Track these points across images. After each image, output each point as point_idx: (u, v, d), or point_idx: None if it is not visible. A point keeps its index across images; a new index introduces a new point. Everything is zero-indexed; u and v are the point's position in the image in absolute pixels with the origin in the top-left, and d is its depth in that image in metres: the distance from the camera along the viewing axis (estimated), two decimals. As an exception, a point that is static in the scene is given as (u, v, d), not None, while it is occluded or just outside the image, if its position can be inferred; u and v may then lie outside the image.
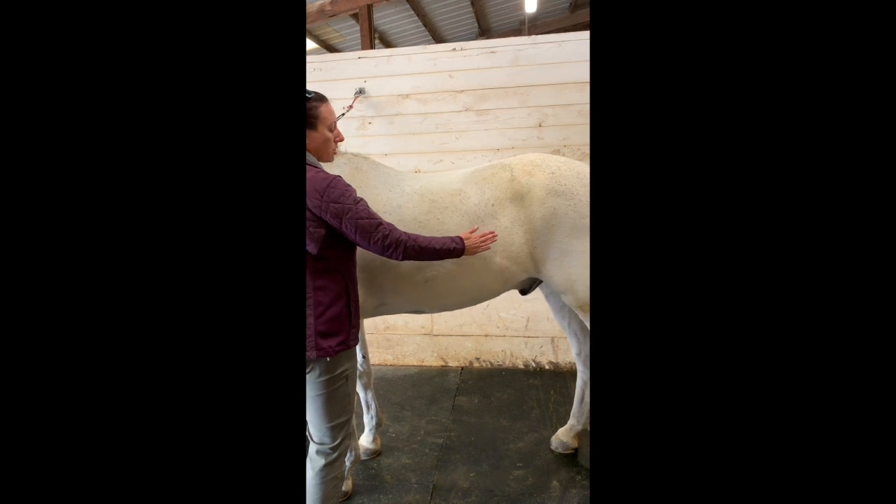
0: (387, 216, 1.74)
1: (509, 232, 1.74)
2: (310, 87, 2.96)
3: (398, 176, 1.88)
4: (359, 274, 1.73)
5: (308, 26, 6.08)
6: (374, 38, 6.90)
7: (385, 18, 6.84)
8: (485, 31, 8.07)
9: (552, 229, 1.74)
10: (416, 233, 1.74)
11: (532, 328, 2.94)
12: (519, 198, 1.75)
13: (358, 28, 6.01)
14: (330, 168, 1.81)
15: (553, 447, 2.11)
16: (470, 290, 1.80)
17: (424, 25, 7.18)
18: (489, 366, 3.01)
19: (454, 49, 2.78)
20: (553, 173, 1.77)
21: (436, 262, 1.72)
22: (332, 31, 7.08)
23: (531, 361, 2.97)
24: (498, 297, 2.87)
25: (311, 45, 7.02)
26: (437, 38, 7.64)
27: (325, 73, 2.89)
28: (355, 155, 1.89)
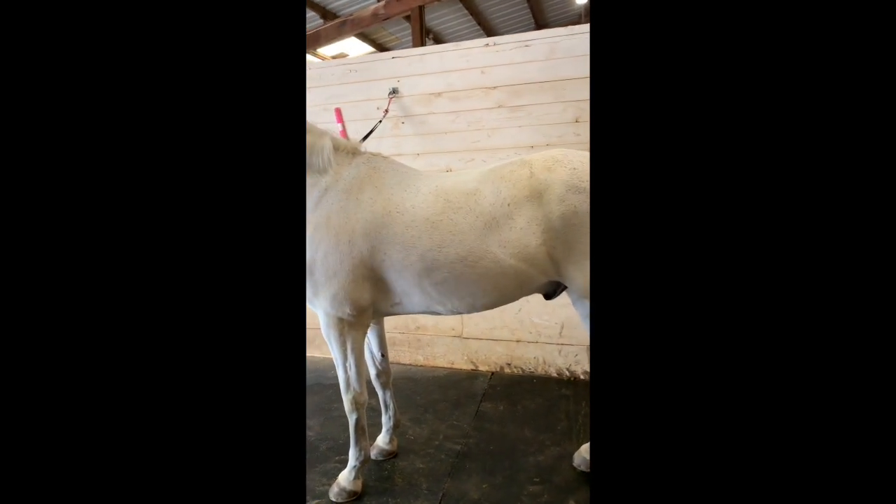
0: (401, 216, 1.71)
1: (525, 232, 1.64)
2: (344, 88, 3.03)
3: (416, 175, 1.84)
4: (369, 275, 1.72)
5: (364, 30, 6.25)
6: (428, 38, 6.94)
7: (438, 19, 6.87)
8: (542, 26, 7.84)
9: (573, 229, 1.62)
10: (428, 233, 1.70)
11: (567, 335, 2.79)
12: (537, 195, 1.64)
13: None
14: (349, 168, 1.82)
15: (575, 464, 1.97)
16: (483, 294, 1.73)
17: (479, 24, 7.12)
18: (521, 372, 2.90)
19: (487, 45, 2.70)
20: (575, 169, 1.65)
21: (444, 266, 1.66)
22: (387, 35, 7.24)
23: (565, 370, 2.81)
24: (530, 302, 2.77)
25: (366, 48, 7.21)
26: (492, 34, 7.55)
27: (360, 74, 2.93)
28: (374, 155, 1.89)
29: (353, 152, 1.87)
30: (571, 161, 1.68)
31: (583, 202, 1.61)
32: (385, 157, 1.89)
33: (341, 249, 1.70)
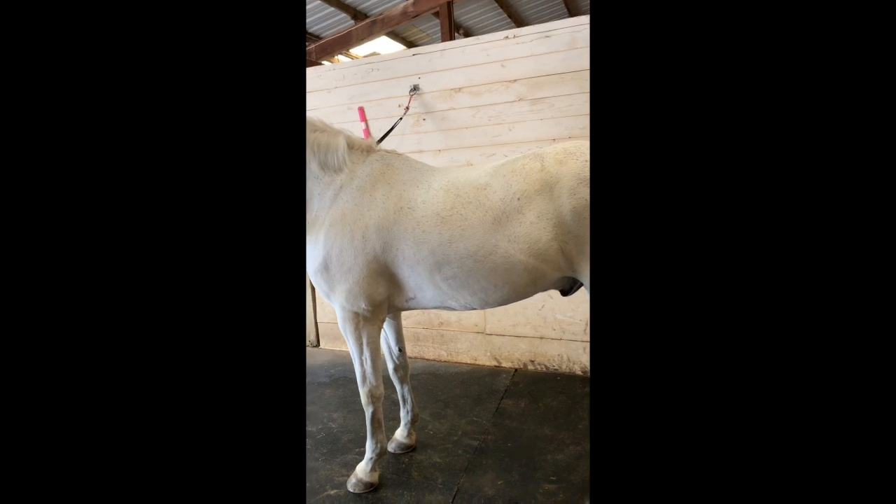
0: (412, 212, 1.73)
1: (535, 227, 1.62)
2: (366, 87, 3.07)
3: (429, 171, 1.85)
4: (383, 270, 1.75)
5: (394, 28, 6.31)
6: (458, 33, 6.91)
7: (468, 13, 6.82)
8: (576, 14, 7.63)
9: (585, 223, 1.58)
10: (438, 228, 1.70)
11: (592, 332, 2.72)
12: (547, 189, 1.61)
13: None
14: (363, 166, 1.85)
15: (594, 464, 1.93)
16: (494, 289, 1.71)
17: (509, 16, 7.02)
18: (544, 369, 2.86)
19: (507, 37, 2.66)
20: (587, 161, 1.61)
21: (455, 261, 1.67)
22: (418, 32, 7.26)
23: (590, 368, 2.75)
24: (553, 298, 2.72)
25: (398, 46, 7.27)
26: (524, 26, 7.42)
27: (382, 72, 2.96)
28: (388, 152, 1.91)
29: (368, 150, 1.90)
30: (585, 153, 1.64)
31: None
32: (399, 155, 1.91)
33: (355, 245, 1.73)
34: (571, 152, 1.65)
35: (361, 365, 1.84)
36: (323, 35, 6.36)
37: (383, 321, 1.87)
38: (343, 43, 5.72)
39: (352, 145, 1.88)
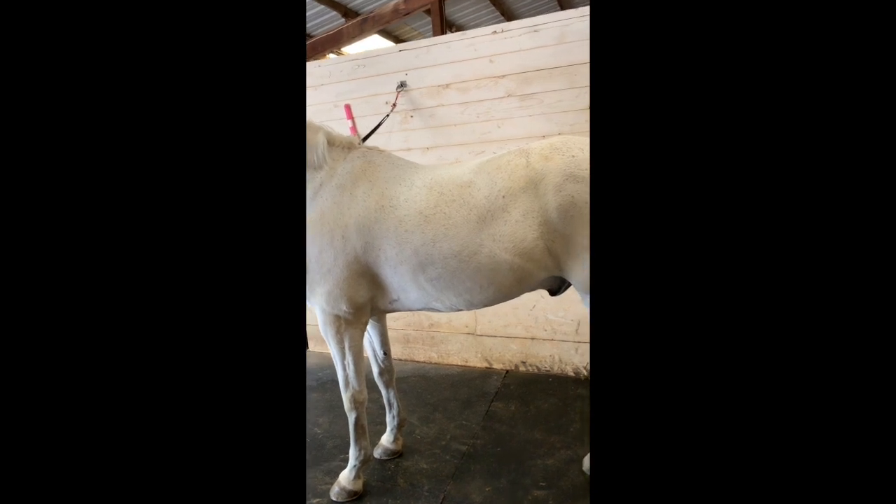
0: (394, 210, 1.67)
1: (520, 225, 1.56)
2: (351, 83, 3.01)
3: (412, 168, 1.79)
4: (364, 271, 1.69)
5: (385, 26, 6.24)
6: (451, 30, 6.85)
7: (460, 11, 6.77)
8: (566, 8, 7.58)
9: (572, 221, 1.52)
10: (421, 228, 1.64)
11: (584, 333, 2.67)
12: (532, 186, 1.56)
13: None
14: (344, 163, 1.79)
15: (585, 468, 1.87)
16: (479, 290, 1.66)
17: (501, 13, 6.97)
18: (536, 370, 2.80)
19: (494, 32, 2.60)
20: (574, 157, 1.56)
21: (438, 261, 1.61)
22: (410, 30, 7.21)
23: (582, 369, 2.69)
24: (545, 298, 2.67)
25: (389, 45, 7.20)
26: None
27: (368, 69, 2.90)
28: (370, 149, 1.85)
29: (349, 147, 1.84)
30: (571, 149, 1.58)
31: (581, 192, 1.51)
32: (381, 151, 1.85)
33: (335, 246, 1.67)
34: (557, 148, 1.60)
35: (344, 369, 1.79)
36: (313, 34, 6.29)
37: (366, 324, 1.81)
38: (334, 41, 5.64)
39: (332, 142, 1.82)
